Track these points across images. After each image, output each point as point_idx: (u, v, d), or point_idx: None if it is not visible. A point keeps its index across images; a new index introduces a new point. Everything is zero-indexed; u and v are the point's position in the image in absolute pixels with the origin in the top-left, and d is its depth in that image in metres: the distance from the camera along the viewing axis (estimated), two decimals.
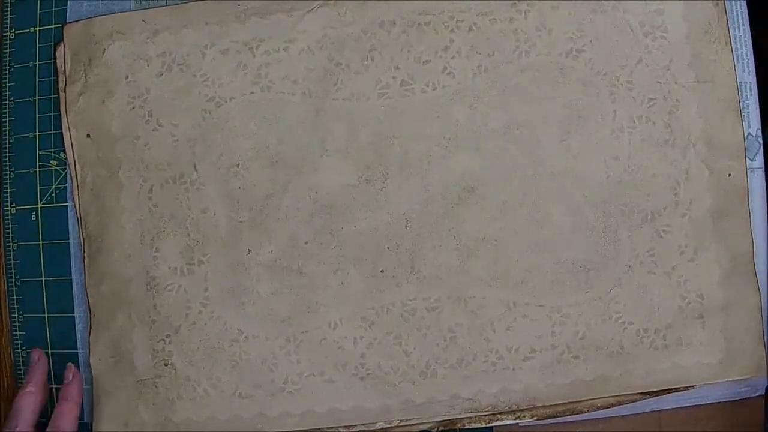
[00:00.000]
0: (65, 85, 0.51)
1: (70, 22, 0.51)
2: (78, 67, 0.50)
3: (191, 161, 0.49)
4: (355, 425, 0.48)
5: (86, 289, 0.50)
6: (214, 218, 0.49)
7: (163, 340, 0.49)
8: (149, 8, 0.51)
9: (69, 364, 0.50)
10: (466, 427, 0.47)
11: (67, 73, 0.51)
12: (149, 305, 0.49)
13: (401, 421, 0.48)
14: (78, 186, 0.51)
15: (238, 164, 0.49)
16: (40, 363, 0.49)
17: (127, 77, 0.50)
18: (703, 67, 0.46)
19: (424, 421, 0.48)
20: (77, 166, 0.50)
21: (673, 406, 0.47)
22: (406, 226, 0.48)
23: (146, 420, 0.49)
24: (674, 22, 0.46)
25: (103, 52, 0.50)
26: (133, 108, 0.50)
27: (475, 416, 0.47)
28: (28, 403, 0.46)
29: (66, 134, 0.51)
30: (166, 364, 0.49)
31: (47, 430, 0.47)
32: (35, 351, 0.50)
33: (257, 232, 0.49)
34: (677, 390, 0.46)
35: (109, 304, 0.50)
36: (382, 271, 0.48)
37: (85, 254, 0.50)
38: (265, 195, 0.49)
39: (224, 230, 0.49)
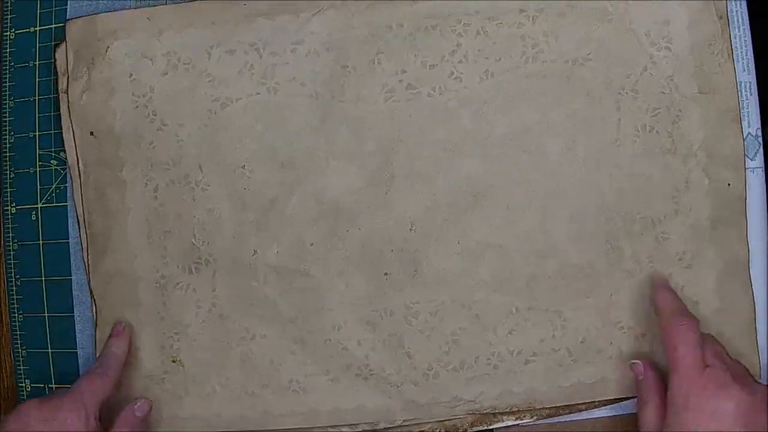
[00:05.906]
0: (67, 84, 0.50)
1: (72, 19, 0.50)
2: (81, 64, 0.50)
3: (196, 162, 0.49)
4: (358, 424, 0.49)
5: (91, 288, 0.50)
6: (219, 219, 0.49)
7: (172, 337, 0.50)
8: (150, 6, 0.50)
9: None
10: (468, 431, 0.48)
11: (70, 70, 0.50)
12: (158, 303, 0.50)
13: (404, 420, 0.49)
14: (81, 185, 0.50)
15: (244, 165, 0.49)
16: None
17: (130, 75, 0.49)
18: (705, 78, 0.46)
19: (426, 421, 0.49)
20: (80, 164, 0.50)
21: None
22: (411, 230, 0.48)
23: (152, 415, 0.50)
24: (679, 33, 0.46)
25: (107, 50, 0.49)
26: (137, 107, 0.49)
27: (478, 419, 0.48)
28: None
29: (68, 133, 0.50)
30: (174, 361, 0.50)
31: None
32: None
33: (263, 233, 0.49)
34: None
35: (118, 303, 0.50)
36: (386, 275, 0.48)
37: (89, 254, 0.50)
38: (271, 197, 0.49)
39: (230, 231, 0.49)
